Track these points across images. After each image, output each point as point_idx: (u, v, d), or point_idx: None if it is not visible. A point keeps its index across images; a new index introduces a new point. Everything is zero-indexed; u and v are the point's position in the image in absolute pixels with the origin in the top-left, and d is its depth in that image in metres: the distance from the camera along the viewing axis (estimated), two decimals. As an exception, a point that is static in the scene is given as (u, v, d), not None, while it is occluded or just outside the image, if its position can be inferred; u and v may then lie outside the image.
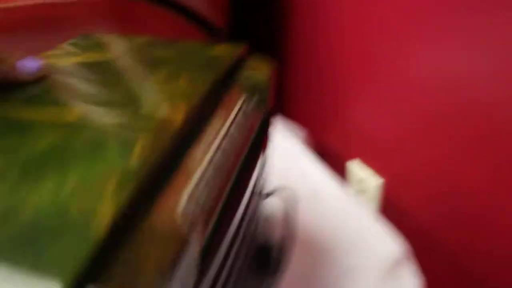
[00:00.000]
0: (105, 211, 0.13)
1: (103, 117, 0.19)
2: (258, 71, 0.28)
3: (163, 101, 0.20)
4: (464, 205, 0.52)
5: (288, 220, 0.38)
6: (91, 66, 0.25)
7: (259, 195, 0.28)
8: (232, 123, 0.22)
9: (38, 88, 0.22)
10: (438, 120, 0.53)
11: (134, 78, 0.23)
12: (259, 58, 0.30)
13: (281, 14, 0.90)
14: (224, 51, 0.28)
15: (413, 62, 0.55)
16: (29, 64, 0.22)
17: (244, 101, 0.25)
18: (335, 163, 0.80)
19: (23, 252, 0.11)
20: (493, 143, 0.46)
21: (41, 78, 0.23)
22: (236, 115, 0.23)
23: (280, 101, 1.02)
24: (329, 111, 0.80)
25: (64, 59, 0.26)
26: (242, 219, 0.24)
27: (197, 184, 0.17)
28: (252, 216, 0.26)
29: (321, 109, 0.83)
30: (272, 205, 0.43)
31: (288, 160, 0.54)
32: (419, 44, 0.53)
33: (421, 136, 0.56)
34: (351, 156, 0.75)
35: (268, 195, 0.42)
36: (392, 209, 0.66)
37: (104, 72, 0.24)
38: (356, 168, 0.72)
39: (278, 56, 0.97)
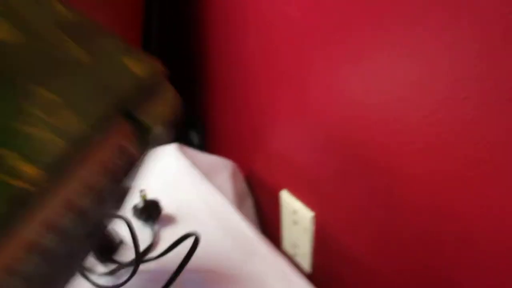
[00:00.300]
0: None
1: None
2: (162, 106, 0.25)
3: (28, 155, 0.18)
4: (399, 236, 0.53)
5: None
6: None
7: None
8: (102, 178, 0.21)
9: None
10: (363, 150, 0.53)
11: (27, 87, 0.20)
12: (168, 86, 0.27)
13: (198, 49, 0.88)
14: (140, 69, 0.25)
15: (336, 90, 0.55)
16: None
17: (130, 143, 0.23)
18: (268, 193, 0.79)
19: None
20: (421, 170, 0.47)
21: None
22: (109, 167, 0.21)
23: (204, 136, 1.00)
24: (255, 141, 0.79)
25: None
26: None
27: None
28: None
29: (246, 139, 0.82)
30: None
31: (214, 224, 0.51)
32: (344, 71, 0.53)
33: (348, 168, 0.57)
34: (283, 187, 0.74)
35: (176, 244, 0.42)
36: (325, 241, 0.66)
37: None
38: (289, 199, 0.72)
39: (200, 93, 0.95)
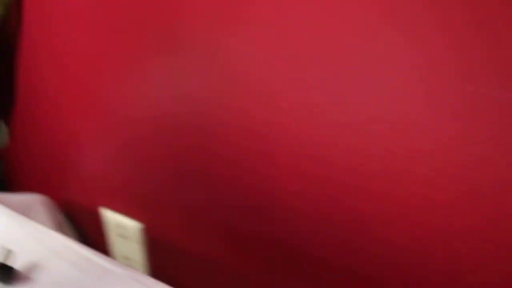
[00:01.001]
0: None
1: None
2: None
3: None
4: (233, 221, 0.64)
5: None
6: None
7: None
8: None
9: None
10: (177, 151, 0.62)
11: None
12: None
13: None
14: None
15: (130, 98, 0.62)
16: None
17: None
18: (90, 215, 0.81)
19: None
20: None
21: None
22: None
23: (3, 172, 0.92)
24: (63, 168, 0.79)
25: None
26: None
27: None
28: None
29: (54, 168, 0.80)
30: None
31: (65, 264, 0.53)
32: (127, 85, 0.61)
33: (163, 173, 0.65)
34: (103, 205, 0.77)
35: None
36: (159, 247, 0.74)
37: None
38: (112, 215, 0.76)
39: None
